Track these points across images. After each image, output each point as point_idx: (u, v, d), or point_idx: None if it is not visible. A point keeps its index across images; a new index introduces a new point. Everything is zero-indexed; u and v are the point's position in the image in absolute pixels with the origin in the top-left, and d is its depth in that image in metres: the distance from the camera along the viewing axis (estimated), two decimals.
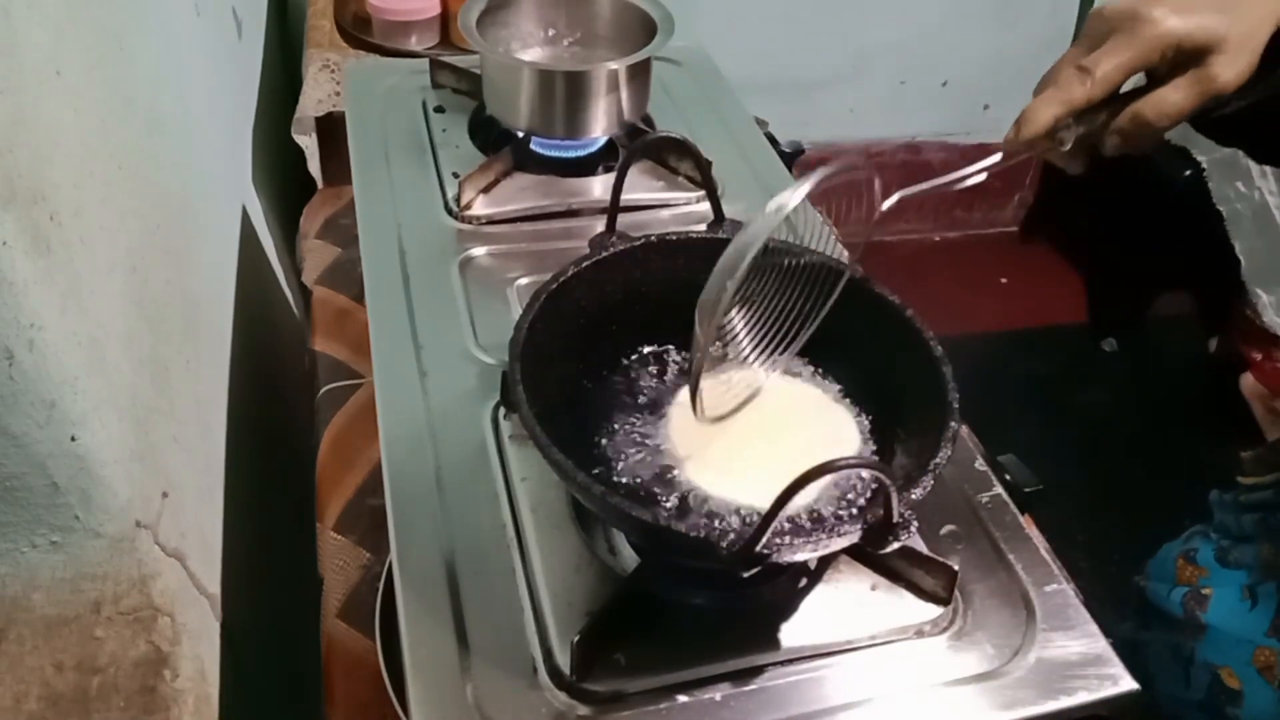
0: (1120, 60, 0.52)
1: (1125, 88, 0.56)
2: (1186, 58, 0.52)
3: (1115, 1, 0.54)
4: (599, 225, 0.69)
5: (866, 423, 0.61)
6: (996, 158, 0.55)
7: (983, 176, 0.55)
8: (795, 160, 0.97)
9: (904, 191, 0.55)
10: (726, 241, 0.65)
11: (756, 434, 0.59)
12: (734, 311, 0.58)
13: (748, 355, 0.59)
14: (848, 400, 0.62)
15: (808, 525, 0.54)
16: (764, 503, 0.47)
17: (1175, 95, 0.53)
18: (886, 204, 0.55)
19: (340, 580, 0.76)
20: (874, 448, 0.59)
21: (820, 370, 0.64)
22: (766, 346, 0.59)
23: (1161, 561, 0.87)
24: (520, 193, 0.86)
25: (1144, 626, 0.84)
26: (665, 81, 1.02)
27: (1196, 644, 0.76)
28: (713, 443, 0.58)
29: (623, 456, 0.58)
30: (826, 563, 0.58)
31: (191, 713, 0.61)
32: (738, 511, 0.54)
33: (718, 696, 0.51)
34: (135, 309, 0.64)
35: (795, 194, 0.50)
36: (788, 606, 0.56)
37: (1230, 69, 0.52)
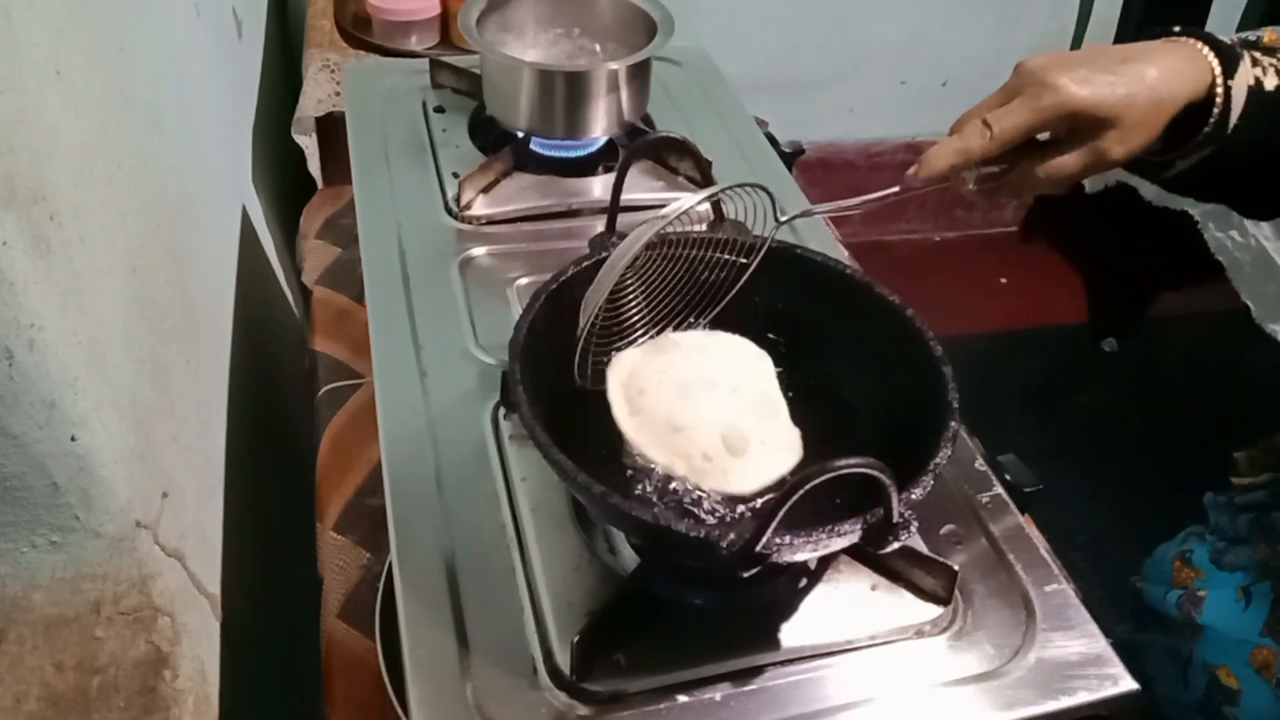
0: (1019, 121, 0.56)
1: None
2: (1083, 126, 0.56)
3: (1036, 59, 0.58)
4: (599, 225, 0.69)
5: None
6: (895, 189, 0.61)
7: (880, 202, 0.61)
8: (795, 160, 0.97)
9: (810, 209, 0.61)
10: (726, 241, 0.65)
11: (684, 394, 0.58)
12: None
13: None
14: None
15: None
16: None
17: (1067, 161, 0.58)
18: (785, 219, 0.60)
19: (340, 580, 0.76)
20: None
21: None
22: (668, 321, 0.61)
23: (1158, 563, 0.87)
24: (520, 193, 0.86)
25: (1141, 628, 0.84)
26: (665, 81, 1.02)
27: (1194, 645, 0.76)
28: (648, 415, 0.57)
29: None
30: (826, 563, 0.58)
31: (191, 713, 0.61)
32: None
33: (718, 696, 0.51)
34: (135, 309, 0.64)
35: (669, 211, 0.54)
36: (788, 606, 0.56)
37: (1121, 146, 0.57)
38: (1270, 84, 0.59)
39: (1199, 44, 0.59)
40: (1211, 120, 0.58)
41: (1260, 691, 0.70)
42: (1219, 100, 0.58)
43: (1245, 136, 0.59)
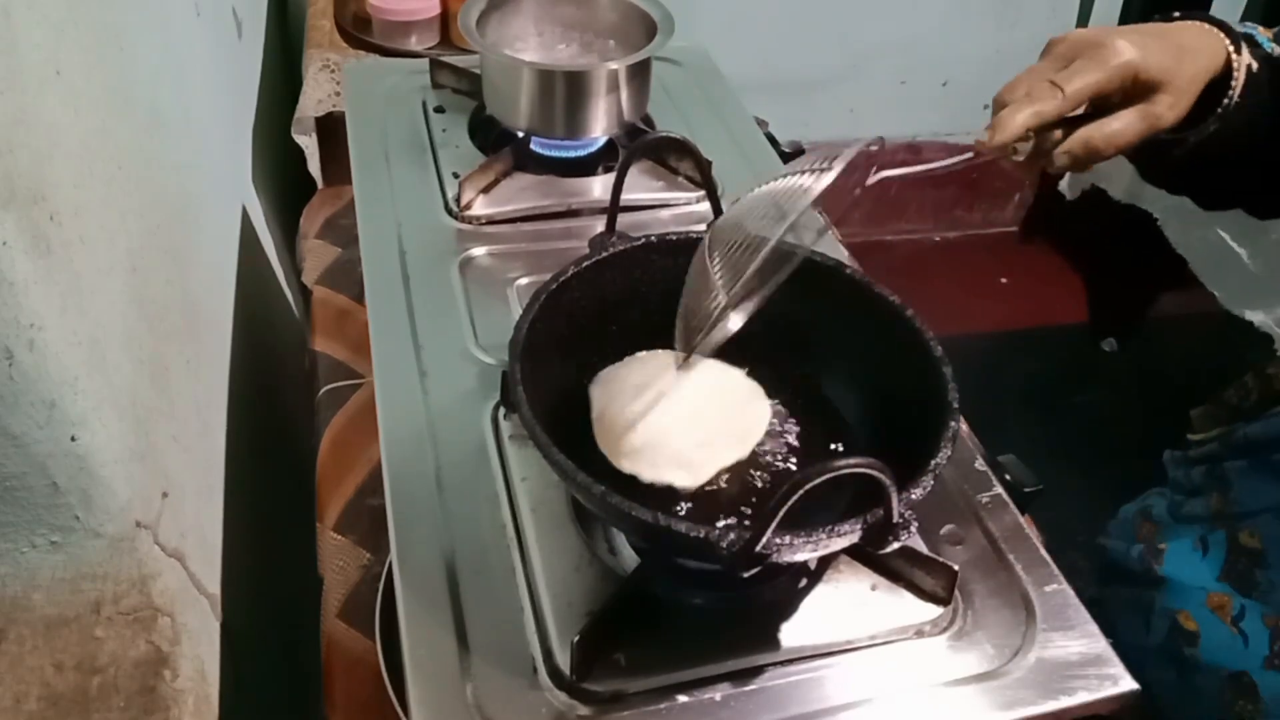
0: (1089, 80, 0.58)
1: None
2: (1138, 91, 0.58)
3: (1075, 31, 0.60)
4: (599, 225, 0.69)
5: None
6: (968, 155, 0.61)
7: (951, 166, 0.62)
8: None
9: (886, 173, 0.59)
10: None
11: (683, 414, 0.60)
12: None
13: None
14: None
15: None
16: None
17: (1122, 125, 0.59)
18: (870, 180, 0.58)
19: (340, 580, 0.76)
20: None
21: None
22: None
23: (1122, 521, 0.89)
24: (520, 193, 0.86)
25: (1106, 583, 0.86)
26: (665, 81, 1.02)
27: (1156, 594, 0.78)
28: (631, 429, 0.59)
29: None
30: (826, 563, 0.58)
31: (191, 713, 0.61)
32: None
33: (718, 696, 0.51)
34: (135, 309, 0.64)
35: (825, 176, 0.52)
36: (788, 606, 0.56)
37: (1172, 110, 0.59)
38: (1255, 66, 0.63)
39: (1205, 24, 0.62)
40: (1232, 87, 0.61)
41: (1217, 630, 0.72)
42: (1236, 74, 0.61)
43: (1239, 116, 0.62)
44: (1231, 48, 0.61)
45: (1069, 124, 0.60)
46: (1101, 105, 0.60)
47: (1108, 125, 0.59)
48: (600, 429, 0.59)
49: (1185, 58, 0.58)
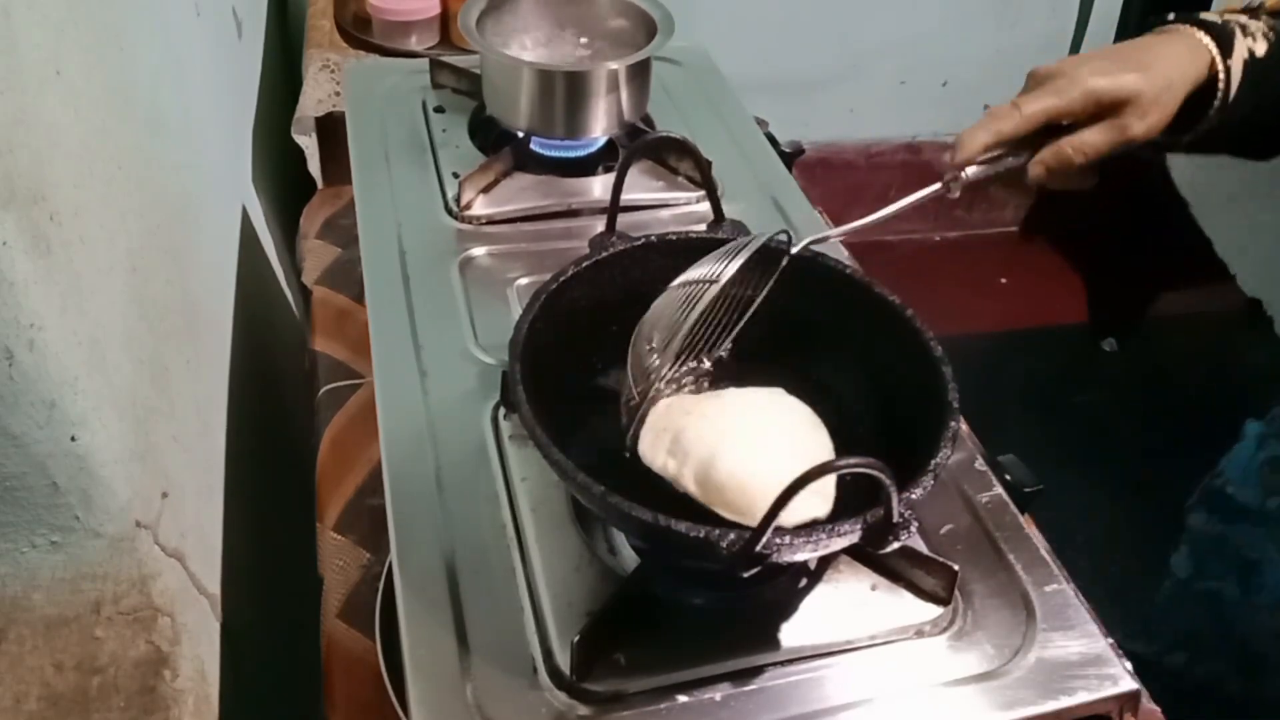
0: (1045, 104, 0.61)
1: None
2: (1105, 109, 0.61)
3: (1049, 64, 0.63)
4: (599, 225, 0.69)
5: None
6: (936, 186, 0.63)
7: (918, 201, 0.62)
8: (795, 160, 0.97)
9: (853, 224, 0.62)
10: (727, 241, 0.65)
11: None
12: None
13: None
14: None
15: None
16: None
17: (1092, 137, 0.62)
18: (812, 240, 0.60)
19: (340, 580, 0.76)
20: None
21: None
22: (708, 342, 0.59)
23: (1240, 467, 0.89)
24: (520, 193, 0.86)
25: (1230, 523, 0.86)
26: (665, 81, 1.02)
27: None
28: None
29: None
30: (826, 563, 0.58)
31: (191, 713, 0.61)
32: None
33: (718, 696, 0.51)
34: (135, 309, 0.64)
35: (732, 263, 0.55)
36: (788, 606, 0.56)
37: (1141, 123, 0.62)
38: (1260, 50, 0.64)
39: (1194, 29, 0.64)
40: (1217, 99, 0.63)
41: None
42: (1221, 80, 0.63)
43: (1242, 102, 0.64)
44: (1217, 51, 0.62)
45: (1046, 137, 0.63)
46: (1073, 125, 0.63)
47: (1078, 136, 0.62)
48: (676, 447, 0.54)
49: (1154, 72, 0.61)
